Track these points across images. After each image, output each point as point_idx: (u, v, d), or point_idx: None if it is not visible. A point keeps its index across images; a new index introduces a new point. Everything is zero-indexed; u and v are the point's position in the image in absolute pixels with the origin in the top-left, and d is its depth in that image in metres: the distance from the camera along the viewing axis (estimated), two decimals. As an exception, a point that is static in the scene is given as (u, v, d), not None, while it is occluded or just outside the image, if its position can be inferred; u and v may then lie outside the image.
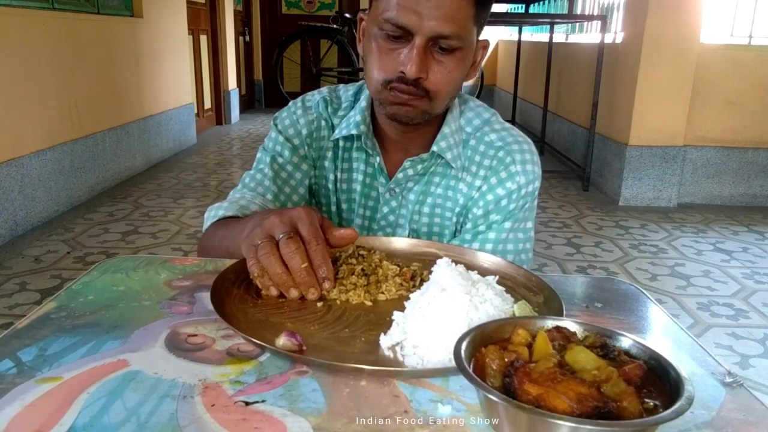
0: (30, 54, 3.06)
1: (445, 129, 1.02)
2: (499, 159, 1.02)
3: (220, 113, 6.60)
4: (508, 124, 1.07)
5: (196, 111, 5.75)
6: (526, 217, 1.05)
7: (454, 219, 1.06)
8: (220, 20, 6.34)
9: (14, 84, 2.94)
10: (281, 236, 0.73)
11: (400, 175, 1.03)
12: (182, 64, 5.26)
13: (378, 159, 1.04)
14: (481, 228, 1.03)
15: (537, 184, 1.04)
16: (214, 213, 0.99)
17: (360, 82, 1.11)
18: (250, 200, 1.01)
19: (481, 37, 0.96)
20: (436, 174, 1.05)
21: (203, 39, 6.02)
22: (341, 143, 1.07)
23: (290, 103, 1.12)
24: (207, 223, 1.00)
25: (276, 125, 1.10)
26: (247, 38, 7.59)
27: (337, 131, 1.05)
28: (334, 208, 1.11)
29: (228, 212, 0.98)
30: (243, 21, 7.40)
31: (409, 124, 0.96)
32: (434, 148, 1.00)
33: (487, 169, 1.02)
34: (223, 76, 6.47)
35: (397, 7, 0.86)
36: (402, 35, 0.88)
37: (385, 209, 1.07)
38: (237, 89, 6.99)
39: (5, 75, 2.86)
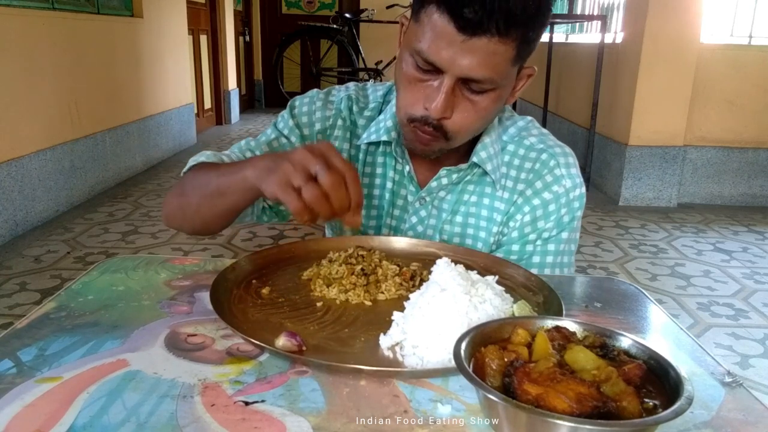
0: (30, 54, 3.06)
1: (486, 139, 0.96)
2: (542, 162, 0.97)
3: (220, 113, 6.60)
4: (545, 130, 1.03)
5: (196, 111, 5.75)
6: (578, 227, 1.00)
7: (492, 230, 1.00)
8: (220, 20, 6.33)
9: (14, 84, 2.94)
10: (319, 170, 0.69)
11: (433, 184, 0.98)
12: (182, 64, 5.26)
13: (408, 167, 0.99)
14: (532, 237, 0.97)
15: (583, 189, 0.98)
16: (194, 159, 0.95)
17: (390, 83, 1.05)
18: (233, 159, 0.96)
19: (527, 64, 0.88)
20: (471, 182, 0.99)
21: (203, 39, 6.02)
22: (363, 146, 1.03)
23: (314, 91, 1.06)
24: (186, 168, 0.96)
25: (292, 107, 1.05)
26: (247, 38, 7.59)
27: (365, 135, 1.00)
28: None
29: (209, 160, 0.94)
30: (243, 21, 7.40)
31: (424, 157, 0.92)
32: (474, 158, 0.95)
33: (529, 171, 0.97)
34: (223, 76, 6.47)
35: (430, 41, 0.78)
36: (432, 69, 0.81)
37: (414, 219, 1.02)
38: (237, 89, 6.99)
39: (5, 75, 2.86)
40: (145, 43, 4.44)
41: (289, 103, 1.06)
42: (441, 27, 0.77)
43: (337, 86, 1.08)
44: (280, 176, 0.70)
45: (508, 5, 0.74)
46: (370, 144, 1.02)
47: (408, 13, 0.89)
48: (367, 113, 1.03)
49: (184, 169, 0.96)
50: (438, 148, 0.89)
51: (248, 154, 1.00)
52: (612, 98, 4.08)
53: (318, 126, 1.03)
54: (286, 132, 1.03)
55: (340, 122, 1.03)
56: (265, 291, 0.76)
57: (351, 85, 1.07)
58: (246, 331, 0.63)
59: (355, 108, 1.04)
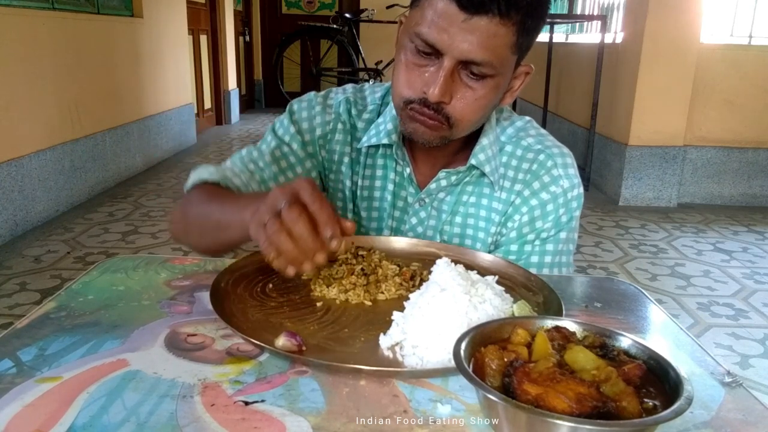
0: (30, 54, 3.06)
1: (484, 140, 0.96)
2: (539, 162, 0.98)
3: (220, 113, 6.60)
4: (543, 130, 1.03)
5: (196, 111, 5.75)
6: (576, 227, 1.00)
7: (490, 230, 1.00)
8: (220, 20, 6.33)
9: (14, 84, 2.94)
10: (283, 205, 0.67)
11: (432, 186, 0.99)
12: (182, 64, 5.26)
13: (408, 169, 0.99)
14: (530, 237, 0.97)
15: (581, 190, 0.99)
16: (197, 175, 0.94)
17: (388, 84, 1.03)
18: (236, 173, 0.97)
19: (524, 62, 0.90)
20: (470, 184, 1.00)
21: (203, 39, 6.02)
22: (364, 149, 1.02)
23: (312, 94, 1.06)
24: (189, 184, 0.95)
25: (291, 113, 1.04)
26: (247, 38, 7.59)
27: (365, 138, 1.00)
28: (350, 215, 1.05)
29: (212, 177, 0.93)
30: (243, 21, 7.40)
31: (426, 146, 0.91)
32: (473, 161, 0.95)
33: (526, 172, 0.98)
34: (223, 76, 6.47)
35: (429, 23, 0.79)
36: (431, 53, 0.82)
37: (414, 220, 1.02)
38: (237, 89, 6.99)
39: (5, 75, 2.86)
40: (145, 43, 4.43)
41: (287, 108, 1.05)
42: (442, 7, 0.78)
43: (334, 88, 1.08)
44: (257, 219, 0.69)
45: None
46: (370, 146, 1.02)
47: (408, 13, 0.89)
48: (365, 116, 1.03)
49: (187, 185, 0.95)
50: (441, 135, 0.88)
51: (251, 167, 1.00)
52: (612, 98, 4.08)
53: (318, 131, 1.03)
54: (287, 139, 1.03)
55: (340, 126, 1.03)
56: (265, 291, 0.76)
57: (348, 87, 1.07)
58: (246, 331, 0.63)
59: (353, 111, 1.03)
